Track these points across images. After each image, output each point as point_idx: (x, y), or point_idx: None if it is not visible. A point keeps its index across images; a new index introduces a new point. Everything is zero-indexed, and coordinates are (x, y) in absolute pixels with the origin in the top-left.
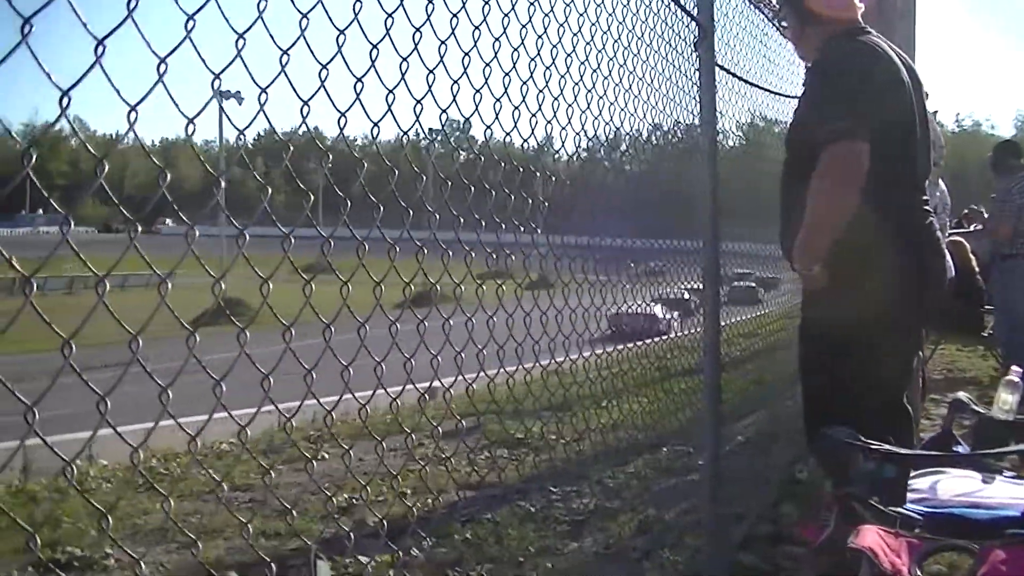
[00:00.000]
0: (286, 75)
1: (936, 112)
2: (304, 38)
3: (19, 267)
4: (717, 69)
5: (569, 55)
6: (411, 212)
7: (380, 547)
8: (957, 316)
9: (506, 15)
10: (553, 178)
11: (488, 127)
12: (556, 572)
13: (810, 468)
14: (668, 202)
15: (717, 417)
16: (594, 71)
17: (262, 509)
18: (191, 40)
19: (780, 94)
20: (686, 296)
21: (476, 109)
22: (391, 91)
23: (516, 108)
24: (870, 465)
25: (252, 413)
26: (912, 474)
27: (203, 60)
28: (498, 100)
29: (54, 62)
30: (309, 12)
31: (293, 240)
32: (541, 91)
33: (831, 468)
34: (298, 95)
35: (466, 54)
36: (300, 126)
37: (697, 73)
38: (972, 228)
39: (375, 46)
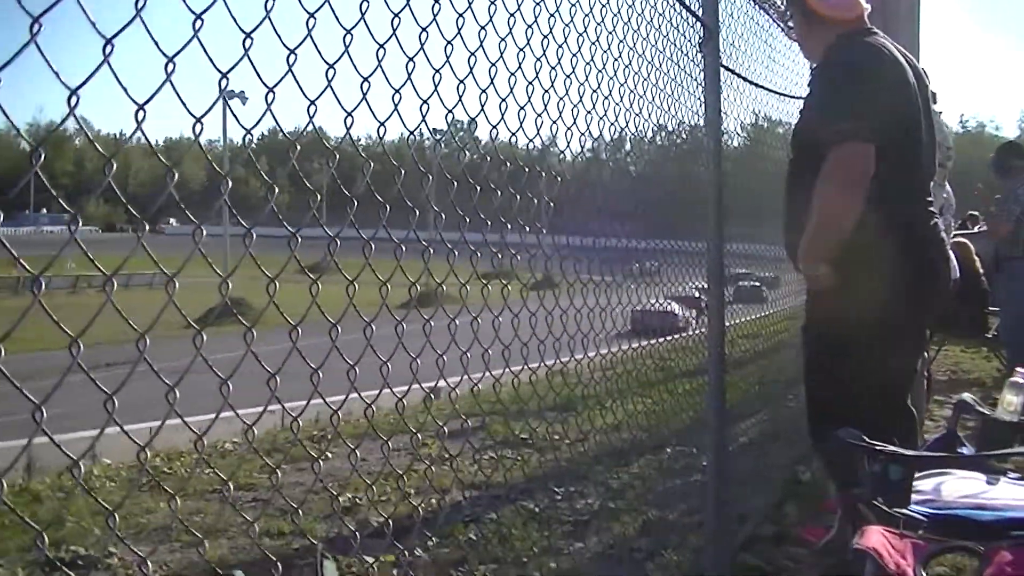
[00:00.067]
0: (293, 75)
1: (941, 113)
2: (311, 38)
3: (24, 266)
4: (722, 70)
5: (575, 55)
6: (417, 212)
7: (383, 547)
8: (961, 317)
9: (512, 15)
10: (559, 179)
11: (494, 127)
12: (559, 572)
13: (813, 469)
14: (672, 203)
15: (721, 418)
16: (599, 71)
17: (266, 509)
18: (199, 39)
19: (785, 95)
20: (696, 295)
21: (482, 109)
22: (397, 91)
23: (522, 108)
24: (875, 466)
25: (256, 412)
26: (916, 475)
27: (211, 59)
28: (504, 100)
29: (58, 61)
30: (316, 12)
31: (300, 239)
32: (547, 91)
33: (835, 469)
34: (305, 95)
35: (472, 54)
36: (307, 126)
37: (702, 74)
38: (976, 229)
39: (382, 46)
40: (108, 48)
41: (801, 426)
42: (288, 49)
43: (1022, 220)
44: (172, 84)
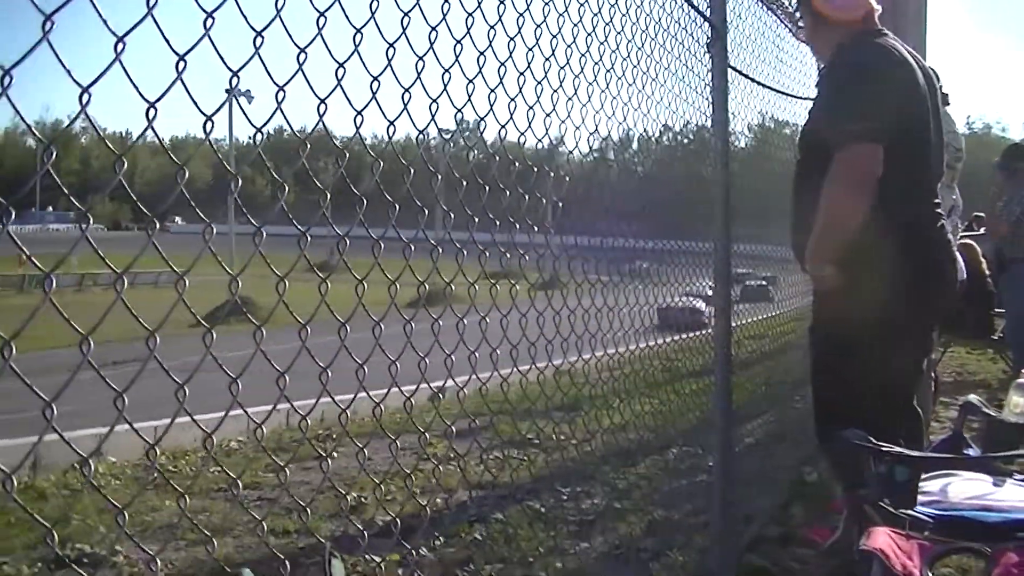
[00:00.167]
0: (303, 73)
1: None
2: (321, 36)
3: (27, 265)
4: (729, 70)
5: (583, 55)
6: (427, 211)
7: (389, 546)
8: (967, 319)
9: (521, 15)
10: (567, 178)
11: (503, 127)
12: (565, 572)
13: (819, 469)
14: (679, 203)
15: (727, 418)
16: (608, 71)
17: (271, 507)
18: (210, 38)
19: (793, 96)
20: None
21: (491, 108)
22: (407, 90)
23: (531, 108)
24: (881, 467)
25: (261, 411)
26: (922, 476)
27: (222, 58)
28: (512, 100)
29: (65, 59)
30: (327, 11)
31: (309, 238)
32: (555, 91)
33: (842, 470)
34: (315, 94)
35: (481, 53)
36: (316, 124)
37: (710, 74)
38: (982, 231)
39: (391, 45)
40: (120, 46)
41: (807, 427)
42: (299, 48)
43: (1022, 221)
44: (183, 82)
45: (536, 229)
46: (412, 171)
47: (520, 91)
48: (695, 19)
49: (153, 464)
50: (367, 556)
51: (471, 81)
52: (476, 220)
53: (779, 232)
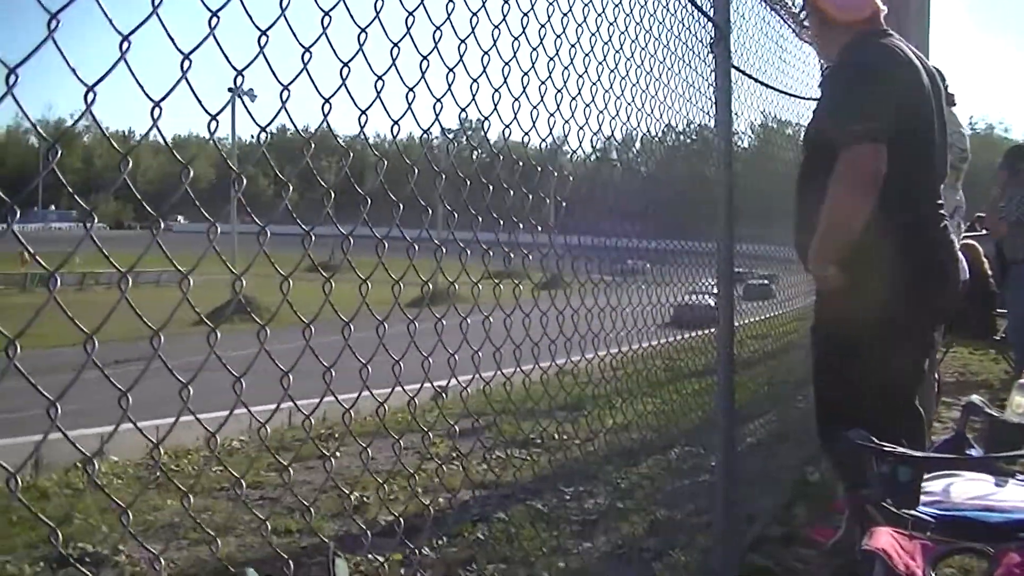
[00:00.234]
0: (308, 73)
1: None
2: (326, 36)
3: (31, 263)
4: (733, 70)
5: (587, 54)
6: (431, 211)
7: (392, 546)
8: (970, 319)
9: (525, 14)
10: (571, 178)
11: (507, 126)
12: (568, 572)
13: (822, 469)
14: (682, 203)
15: (730, 418)
16: (611, 71)
17: (273, 507)
18: (215, 37)
19: (796, 96)
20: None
21: (495, 108)
22: (411, 89)
23: (535, 107)
24: (883, 467)
25: (263, 410)
26: (925, 477)
27: (226, 57)
28: (517, 99)
29: (70, 58)
30: (331, 10)
31: (313, 237)
32: (559, 90)
33: (844, 470)
34: (320, 93)
35: (485, 53)
36: (321, 124)
37: (713, 74)
38: (984, 231)
39: (396, 44)
40: (125, 45)
41: (810, 427)
42: (303, 47)
43: (1023, 222)
44: (188, 81)
45: (540, 229)
46: (416, 170)
47: (524, 90)
48: (698, 19)
49: (157, 464)
50: (370, 556)
51: (475, 80)
52: (480, 219)
53: (782, 232)
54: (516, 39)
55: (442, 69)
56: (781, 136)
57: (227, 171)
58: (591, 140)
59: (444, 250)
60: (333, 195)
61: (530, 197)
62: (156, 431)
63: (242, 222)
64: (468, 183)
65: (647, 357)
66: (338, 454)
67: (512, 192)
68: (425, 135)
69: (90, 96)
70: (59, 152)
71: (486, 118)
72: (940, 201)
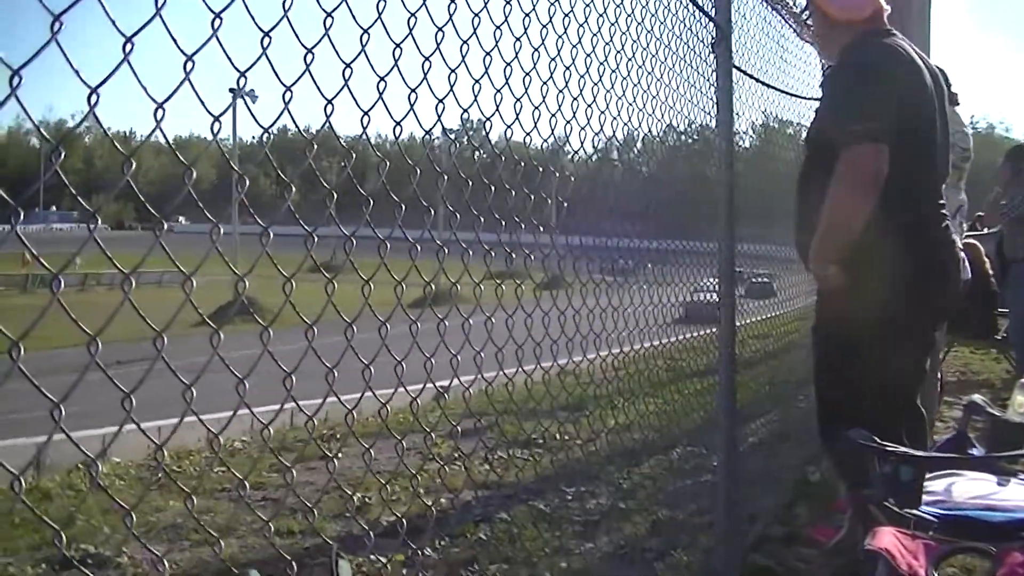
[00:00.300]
0: (310, 74)
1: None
2: (328, 37)
3: (32, 265)
4: (734, 70)
5: (589, 55)
6: (433, 211)
7: (394, 546)
8: (971, 318)
9: (527, 15)
10: (572, 178)
11: (508, 127)
12: (570, 572)
13: (823, 469)
14: (683, 202)
15: (732, 418)
16: (613, 71)
17: (279, 508)
18: (217, 38)
19: (797, 95)
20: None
21: (497, 109)
22: (413, 90)
23: (536, 108)
24: (885, 467)
25: (265, 411)
26: (927, 476)
27: (229, 58)
28: (518, 100)
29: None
30: (334, 11)
31: (316, 238)
32: (561, 91)
33: (846, 470)
34: (322, 94)
35: (487, 54)
36: (324, 125)
37: (714, 74)
38: (985, 231)
39: (398, 45)
40: (128, 46)
41: (811, 426)
42: (306, 48)
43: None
44: (191, 82)
45: (542, 229)
46: (418, 171)
47: (526, 91)
48: (700, 19)
49: (160, 465)
50: (372, 556)
51: (477, 81)
52: (482, 220)
53: (783, 232)
54: (518, 40)
55: (444, 70)
56: (782, 136)
57: (227, 172)
58: (593, 140)
59: (446, 251)
60: (336, 196)
61: (532, 197)
62: (158, 432)
63: (243, 223)
64: (470, 184)
65: (649, 357)
66: (340, 455)
67: (514, 192)
68: (427, 136)
69: (93, 98)
70: (63, 154)
71: (488, 119)
72: (942, 201)
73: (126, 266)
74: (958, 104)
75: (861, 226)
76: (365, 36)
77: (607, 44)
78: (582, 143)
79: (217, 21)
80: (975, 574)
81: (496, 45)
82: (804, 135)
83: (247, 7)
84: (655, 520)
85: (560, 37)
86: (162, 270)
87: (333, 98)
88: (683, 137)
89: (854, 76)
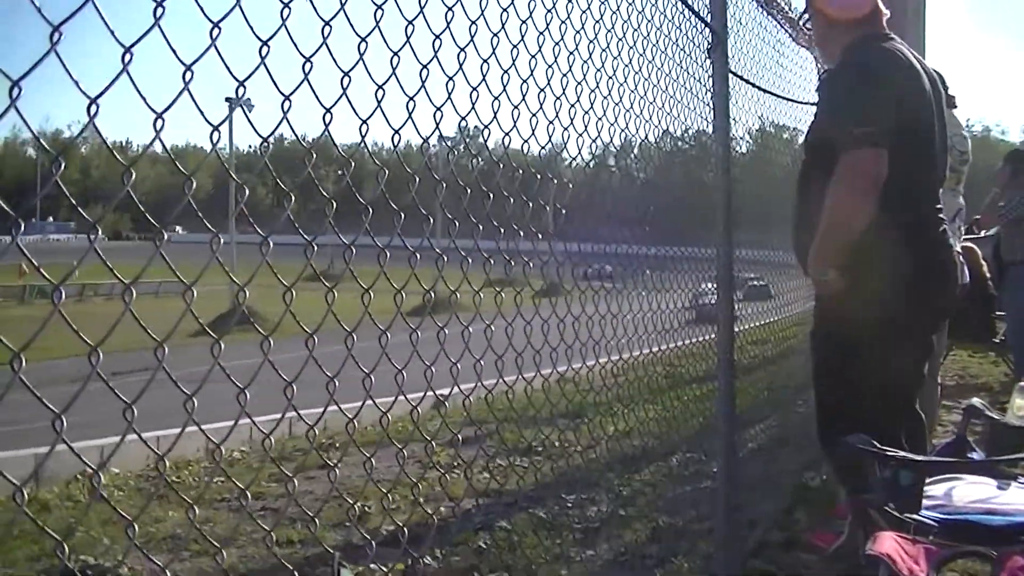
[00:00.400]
0: (309, 83)
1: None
2: (327, 45)
3: (30, 275)
4: (730, 75)
5: (585, 62)
6: (432, 219)
7: (394, 555)
8: (970, 322)
9: (524, 22)
10: (570, 185)
11: (506, 134)
12: None
13: (822, 474)
14: (680, 208)
15: (731, 423)
16: (610, 77)
17: (280, 518)
18: (216, 48)
19: (793, 100)
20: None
21: (495, 116)
22: (411, 98)
23: (534, 115)
24: (885, 472)
25: (264, 421)
26: (926, 481)
27: (228, 68)
28: (516, 107)
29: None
30: (331, 20)
31: (316, 247)
32: (559, 98)
33: (846, 475)
34: (321, 103)
35: (484, 61)
36: (322, 134)
37: (711, 79)
38: (983, 234)
39: (396, 53)
40: (127, 56)
41: (810, 431)
42: (304, 57)
43: (1021, 223)
44: (190, 92)
45: (540, 236)
46: (417, 179)
47: (523, 98)
48: (696, 24)
49: (163, 475)
50: (373, 565)
51: (475, 89)
52: (481, 228)
53: (780, 237)
54: (515, 47)
55: (442, 78)
56: (779, 141)
57: (223, 181)
58: (590, 147)
59: (445, 259)
60: (335, 205)
61: (530, 205)
62: (157, 442)
63: (240, 232)
64: (468, 191)
65: (647, 364)
66: (340, 464)
67: (512, 200)
68: (425, 143)
69: (92, 108)
70: (63, 165)
71: (486, 126)
72: (939, 205)
73: (124, 276)
74: (955, 107)
75: (860, 230)
76: (363, 45)
77: (603, 50)
78: (579, 150)
79: (216, 31)
80: None
81: (493, 52)
82: (801, 139)
83: (245, 17)
84: (655, 527)
85: (557, 44)
86: (160, 280)
87: (331, 107)
88: (680, 143)
89: (854, 79)
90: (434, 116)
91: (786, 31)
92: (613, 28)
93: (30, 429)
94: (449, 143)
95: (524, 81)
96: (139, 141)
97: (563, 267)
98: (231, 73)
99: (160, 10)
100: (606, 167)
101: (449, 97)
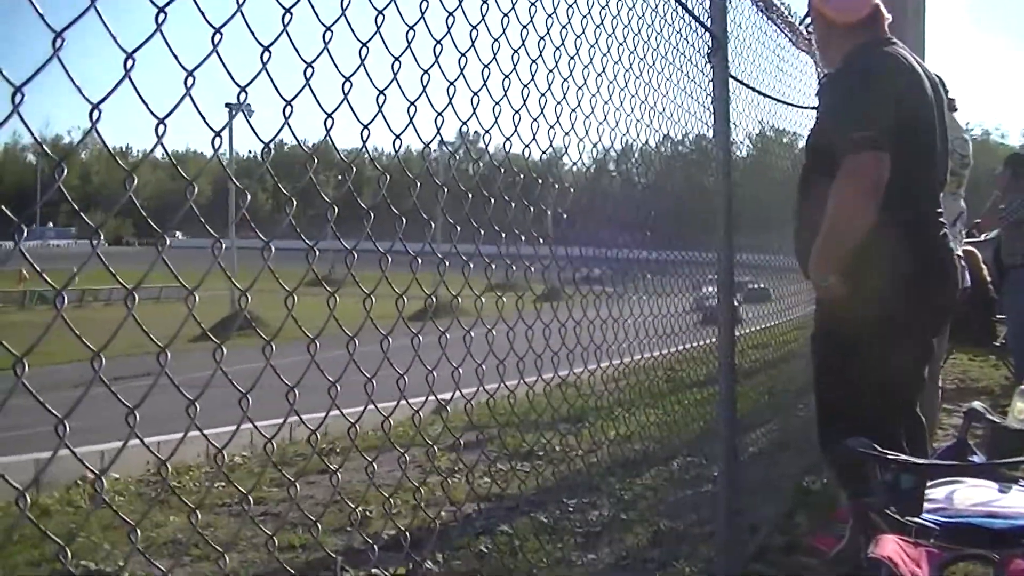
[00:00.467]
0: (310, 88)
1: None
2: (328, 51)
3: (30, 281)
4: (730, 80)
5: (586, 66)
6: (433, 224)
7: (395, 560)
8: (970, 325)
9: (524, 27)
10: (572, 189)
11: (507, 139)
12: None
13: (823, 478)
14: (681, 212)
15: (732, 427)
16: (610, 82)
17: (282, 523)
18: (218, 54)
19: (793, 104)
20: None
21: (496, 121)
22: (412, 103)
23: (535, 120)
24: (886, 475)
25: (265, 426)
26: (927, 484)
27: (229, 74)
28: (517, 112)
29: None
30: (332, 25)
31: (318, 252)
32: (559, 103)
33: (847, 479)
34: (322, 108)
35: (485, 66)
36: (323, 139)
37: (711, 84)
38: (984, 237)
39: (397, 59)
40: (129, 62)
41: (811, 435)
42: (305, 62)
43: (1021, 226)
44: (192, 98)
45: (541, 241)
46: (418, 184)
47: (524, 103)
48: (696, 29)
49: (164, 480)
50: (375, 570)
51: (476, 94)
52: (482, 232)
53: (781, 241)
54: (516, 52)
55: (443, 83)
56: (779, 145)
57: (223, 186)
58: (591, 151)
59: (447, 263)
60: (336, 210)
61: (531, 209)
62: (158, 447)
63: (241, 237)
64: (470, 196)
65: (648, 368)
66: (341, 469)
67: (513, 204)
68: (426, 148)
69: (95, 114)
70: (65, 171)
71: (487, 131)
72: (940, 209)
73: (126, 282)
74: (956, 110)
75: (861, 234)
76: (364, 50)
77: (604, 55)
78: (580, 154)
79: (217, 36)
80: None
81: (494, 57)
82: (801, 143)
83: (247, 22)
84: (656, 531)
85: (557, 49)
86: (161, 285)
87: (333, 112)
88: (680, 147)
89: (855, 83)
90: (435, 121)
91: (786, 35)
92: (613, 33)
93: (32, 434)
94: (450, 148)
95: (525, 86)
96: (139, 146)
97: (564, 271)
98: (232, 78)
99: (162, 16)
100: (607, 172)
101: (450, 102)
